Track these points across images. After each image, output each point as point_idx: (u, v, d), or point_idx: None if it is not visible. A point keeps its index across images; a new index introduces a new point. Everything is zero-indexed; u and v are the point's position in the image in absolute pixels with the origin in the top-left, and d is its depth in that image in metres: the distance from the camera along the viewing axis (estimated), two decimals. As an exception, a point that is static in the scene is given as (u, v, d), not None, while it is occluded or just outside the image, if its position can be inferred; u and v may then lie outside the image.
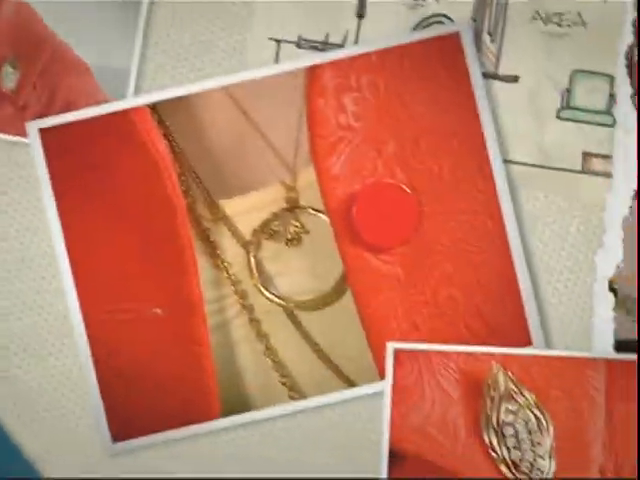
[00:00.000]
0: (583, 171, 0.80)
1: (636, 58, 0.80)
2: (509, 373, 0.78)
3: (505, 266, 0.80)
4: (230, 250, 0.82)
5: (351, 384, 0.81)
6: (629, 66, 0.79)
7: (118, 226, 0.80)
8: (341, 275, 0.81)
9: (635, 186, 0.79)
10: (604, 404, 0.78)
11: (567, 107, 0.80)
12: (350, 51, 0.80)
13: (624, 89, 0.80)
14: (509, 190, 0.80)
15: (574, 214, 0.80)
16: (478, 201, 0.80)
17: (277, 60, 0.81)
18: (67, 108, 0.80)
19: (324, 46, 0.81)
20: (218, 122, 0.82)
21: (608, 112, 0.80)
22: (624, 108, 0.80)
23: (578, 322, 0.80)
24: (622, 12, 0.79)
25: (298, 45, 0.81)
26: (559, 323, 0.80)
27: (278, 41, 0.81)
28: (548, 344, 0.79)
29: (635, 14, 0.79)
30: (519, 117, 0.80)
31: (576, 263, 0.80)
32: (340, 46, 0.81)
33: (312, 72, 0.79)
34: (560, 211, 0.80)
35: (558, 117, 0.80)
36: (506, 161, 0.80)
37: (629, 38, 0.80)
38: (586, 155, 0.80)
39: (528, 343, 0.79)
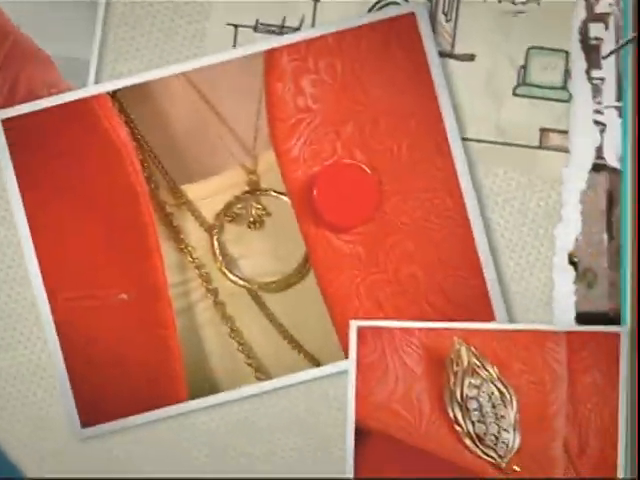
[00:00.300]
0: (541, 147, 0.81)
1: (592, 34, 0.80)
2: (472, 348, 0.78)
3: (466, 243, 0.81)
4: (193, 234, 0.83)
5: (316, 363, 0.82)
6: (583, 41, 0.80)
7: (83, 214, 0.81)
8: (303, 256, 0.82)
9: (592, 160, 0.80)
10: (566, 376, 0.79)
11: (523, 84, 0.81)
12: (307, 34, 0.81)
13: (579, 64, 0.81)
14: (468, 167, 0.80)
15: (533, 189, 0.81)
16: (437, 179, 0.81)
17: (235, 45, 0.81)
18: (29, 98, 0.81)
19: (281, 30, 0.81)
20: (179, 108, 0.83)
21: (564, 88, 0.81)
22: (579, 83, 0.81)
23: (540, 296, 0.81)
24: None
25: (255, 29, 0.82)
26: (521, 297, 0.81)
27: (236, 26, 0.82)
28: (511, 318, 0.80)
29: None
30: (476, 95, 0.81)
31: (536, 238, 0.81)
32: (297, 29, 0.81)
33: (270, 56, 0.80)
34: (519, 187, 0.81)
35: (515, 94, 0.81)
36: (464, 139, 0.81)
37: (582, 13, 0.80)
38: (543, 131, 0.81)
39: (491, 318, 0.80)
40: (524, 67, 0.81)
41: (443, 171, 0.80)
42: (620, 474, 0.78)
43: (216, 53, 0.81)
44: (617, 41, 0.80)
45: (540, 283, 0.81)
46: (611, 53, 0.80)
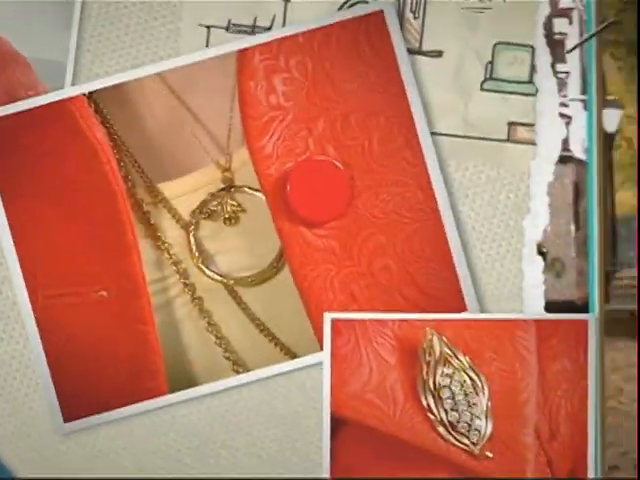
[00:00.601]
0: (509, 140, 0.83)
1: (556, 29, 0.82)
2: (443, 338, 0.80)
3: (437, 235, 0.82)
4: (170, 231, 0.85)
5: (292, 355, 0.83)
6: (547, 36, 0.82)
7: (62, 213, 0.82)
8: (278, 251, 0.83)
9: (558, 152, 0.82)
10: (536, 364, 0.81)
11: (490, 79, 0.83)
12: (278, 33, 0.82)
13: (544, 59, 0.82)
14: (438, 161, 0.82)
15: (502, 182, 0.83)
16: (408, 174, 0.82)
17: (208, 45, 0.83)
18: (7, 100, 0.83)
19: (253, 30, 0.83)
20: (154, 108, 0.84)
21: (530, 82, 0.83)
22: (545, 77, 0.82)
23: (510, 286, 0.82)
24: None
25: (227, 30, 0.83)
26: (491, 288, 0.83)
27: (208, 27, 0.83)
28: (482, 308, 0.82)
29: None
30: (444, 91, 0.83)
31: (506, 230, 0.83)
32: (268, 29, 0.83)
33: (242, 55, 0.82)
34: (489, 180, 0.83)
35: (482, 89, 0.83)
36: (433, 133, 0.82)
37: (546, 9, 0.82)
38: (511, 124, 0.83)
39: (462, 308, 0.82)
40: (491, 62, 0.83)
41: (414, 165, 0.82)
42: (590, 461, 0.80)
43: (189, 53, 0.83)
44: (581, 35, 0.82)
45: (510, 274, 0.82)
46: (575, 47, 0.82)
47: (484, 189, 0.83)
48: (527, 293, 0.82)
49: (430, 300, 0.82)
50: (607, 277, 0.81)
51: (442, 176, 0.82)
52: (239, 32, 0.83)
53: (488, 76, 0.83)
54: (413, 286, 0.82)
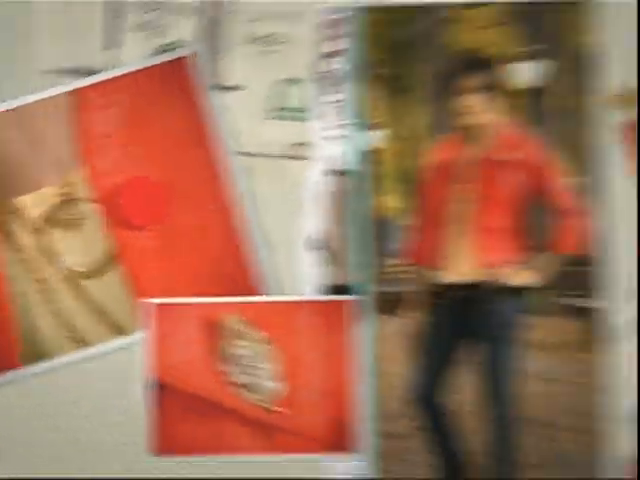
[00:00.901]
0: (292, 157, 1.03)
1: (328, 67, 1.02)
2: (241, 317, 1.00)
3: (237, 237, 1.02)
4: (24, 237, 1.05)
5: (124, 334, 1.04)
6: (320, 72, 1.02)
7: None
8: (112, 250, 1.04)
9: (328, 166, 1.02)
10: (312, 336, 1.01)
11: (278, 108, 1.03)
12: (106, 75, 1.02)
13: (319, 91, 1.02)
14: (237, 176, 1.02)
15: (284, 191, 1.03)
16: (213, 186, 1.03)
17: (46, 87, 1.03)
18: None
19: (83, 71, 1.03)
20: (3, 138, 1.04)
21: (307, 110, 1.03)
22: (318, 106, 1.02)
23: (293, 274, 1.02)
24: (312, 31, 1.02)
25: (61, 72, 1.03)
26: (280, 275, 1.03)
27: (44, 71, 1.03)
28: (271, 292, 1.02)
29: (323, 33, 1.02)
30: (241, 118, 1.03)
31: (289, 228, 1.03)
32: (97, 72, 1.03)
33: (75, 94, 1.02)
34: (278, 189, 1.03)
35: (271, 117, 1.03)
36: (233, 153, 1.02)
37: (319, 50, 1.02)
38: (293, 145, 1.03)
39: (257, 293, 1.02)
40: (278, 94, 1.03)
41: (217, 179, 1.02)
42: (360, 409, 1.00)
43: (29, 94, 1.02)
44: (347, 72, 1.02)
45: (293, 265, 1.02)
46: (341, 82, 1.01)
47: (272, 197, 1.03)
48: (306, 279, 1.02)
49: (231, 287, 1.02)
50: (374, 265, 1.01)
51: (240, 186, 1.02)
52: (71, 74, 1.03)
53: (276, 106, 1.03)
54: (218, 276, 1.03)
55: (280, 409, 1.01)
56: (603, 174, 0.99)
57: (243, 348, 1.01)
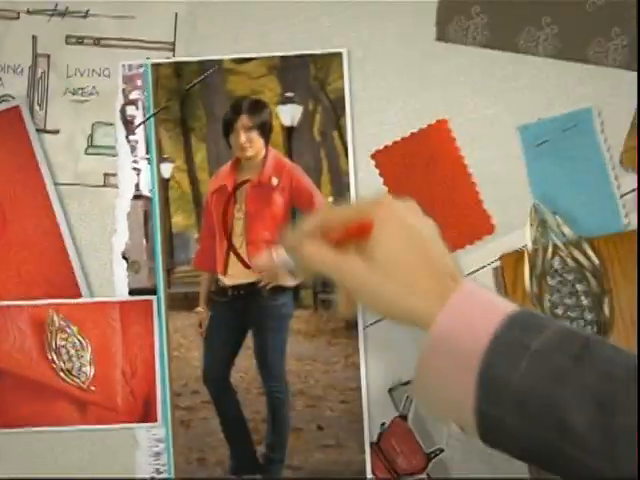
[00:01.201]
0: (104, 185, 1.27)
1: (129, 112, 1.26)
2: (61, 315, 1.25)
3: (60, 250, 1.27)
4: None
5: (-28, 331, 1.28)
6: (123, 117, 1.27)
7: None
8: (-42, 264, 1.28)
9: (133, 192, 1.26)
10: (120, 330, 1.26)
11: (91, 146, 1.28)
12: (-48, 123, 1.27)
13: (122, 132, 1.27)
14: (60, 201, 1.27)
15: (102, 212, 1.27)
16: (42, 210, 1.27)
17: None
18: None
19: None
20: None
21: (115, 147, 1.27)
22: (123, 144, 1.27)
23: (108, 279, 1.27)
24: (116, 84, 1.27)
25: None
26: (96, 282, 1.27)
27: None
28: (90, 295, 1.27)
29: (125, 85, 1.26)
30: (62, 155, 1.28)
31: (104, 244, 1.27)
32: (-55, 120, 1.28)
33: None
34: (95, 212, 1.27)
35: (86, 153, 1.28)
36: (56, 183, 1.27)
37: (122, 99, 1.27)
38: (105, 175, 1.27)
39: (78, 295, 1.26)
40: (91, 135, 1.27)
41: (44, 205, 1.27)
42: (158, 390, 1.25)
43: None
44: (144, 116, 1.26)
45: (108, 272, 1.27)
46: (140, 124, 1.26)
47: (90, 217, 1.27)
48: (117, 284, 1.27)
49: (56, 290, 1.27)
50: (168, 272, 1.26)
51: (62, 210, 1.26)
52: None
53: (90, 144, 1.28)
54: (46, 282, 1.27)
55: (94, 388, 1.25)
56: (350, 193, 1.24)
57: (64, 340, 1.25)
